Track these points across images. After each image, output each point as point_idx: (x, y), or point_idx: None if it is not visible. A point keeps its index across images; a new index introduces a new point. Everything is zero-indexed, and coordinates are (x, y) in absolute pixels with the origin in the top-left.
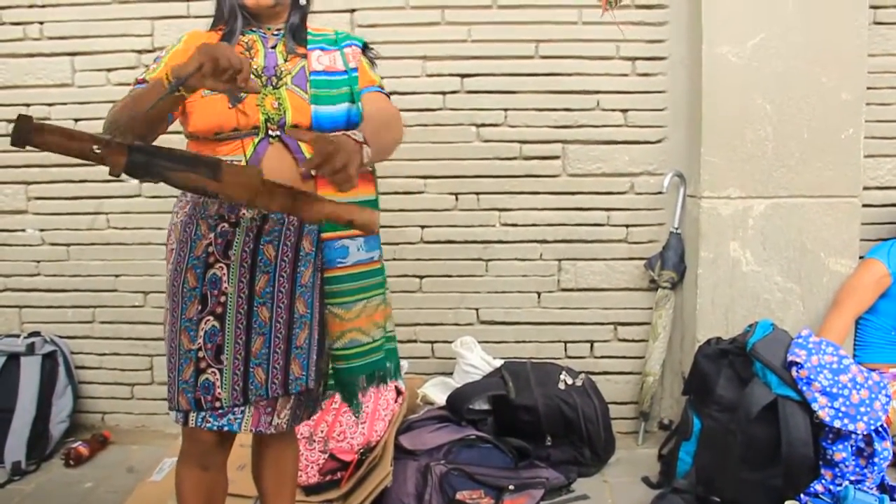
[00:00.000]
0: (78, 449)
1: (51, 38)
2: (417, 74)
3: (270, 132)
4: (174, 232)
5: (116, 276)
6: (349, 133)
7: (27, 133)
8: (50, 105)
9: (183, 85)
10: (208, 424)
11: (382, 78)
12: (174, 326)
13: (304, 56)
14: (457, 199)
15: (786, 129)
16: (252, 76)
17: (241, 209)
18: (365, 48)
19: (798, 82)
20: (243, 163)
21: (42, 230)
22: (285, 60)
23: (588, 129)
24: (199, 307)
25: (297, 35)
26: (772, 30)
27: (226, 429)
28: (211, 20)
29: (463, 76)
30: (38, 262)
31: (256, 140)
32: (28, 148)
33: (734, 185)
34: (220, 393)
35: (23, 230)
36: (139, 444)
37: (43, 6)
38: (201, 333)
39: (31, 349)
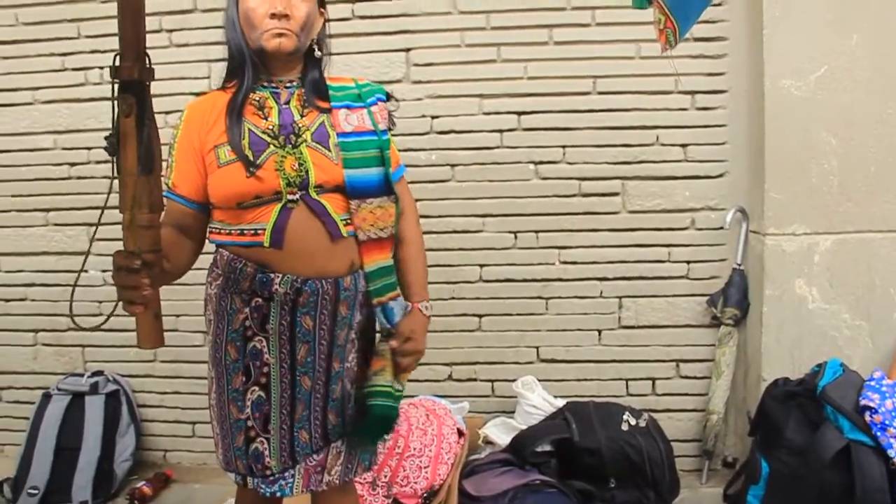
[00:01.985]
0: (142, 489)
1: (111, 83)
2: (474, 113)
3: (290, 196)
4: (210, 303)
5: (177, 316)
6: (421, 308)
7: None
8: None
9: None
10: (261, 490)
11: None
12: (221, 396)
13: (327, 111)
14: (516, 237)
15: (851, 163)
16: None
17: (274, 285)
18: (387, 99)
19: (863, 115)
20: (267, 231)
21: (104, 271)
22: (302, 116)
23: (647, 165)
24: (244, 378)
25: (319, 88)
26: (836, 62)
27: (278, 494)
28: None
29: (520, 114)
30: (101, 302)
31: (279, 206)
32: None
33: (799, 220)
34: (269, 461)
35: (85, 271)
36: (201, 483)
37: (104, 52)
38: (248, 403)
39: (94, 388)
